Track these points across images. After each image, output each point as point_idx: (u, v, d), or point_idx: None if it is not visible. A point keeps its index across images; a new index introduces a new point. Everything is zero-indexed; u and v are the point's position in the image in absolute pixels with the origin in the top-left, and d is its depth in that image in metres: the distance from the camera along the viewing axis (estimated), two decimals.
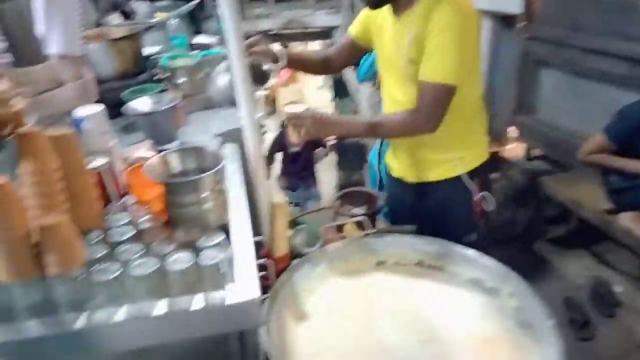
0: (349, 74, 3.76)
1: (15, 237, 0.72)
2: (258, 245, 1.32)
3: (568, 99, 2.99)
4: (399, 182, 1.73)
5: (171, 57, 1.86)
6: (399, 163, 1.71)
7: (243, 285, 0.83)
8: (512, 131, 3.37)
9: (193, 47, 2.46)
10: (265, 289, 1.19)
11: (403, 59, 1.42)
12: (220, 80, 1.66)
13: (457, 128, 1.50)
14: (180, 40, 2.34)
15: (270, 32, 4.04)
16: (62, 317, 0.78)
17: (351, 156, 3.86)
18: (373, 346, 1.08)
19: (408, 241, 1.38)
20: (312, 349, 1.07)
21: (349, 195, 2.47)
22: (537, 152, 3.35)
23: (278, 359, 0.95)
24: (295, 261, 1.32)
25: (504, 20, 3.24)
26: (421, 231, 1.42)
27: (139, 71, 1.87)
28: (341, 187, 3.27)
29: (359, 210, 1.99)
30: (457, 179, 1.55)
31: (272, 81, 2.51)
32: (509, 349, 1.07)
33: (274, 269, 1.20)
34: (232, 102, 1.93)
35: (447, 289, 1.25)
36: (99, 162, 0.93)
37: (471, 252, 1.30)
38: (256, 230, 1.34)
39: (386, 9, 1.47)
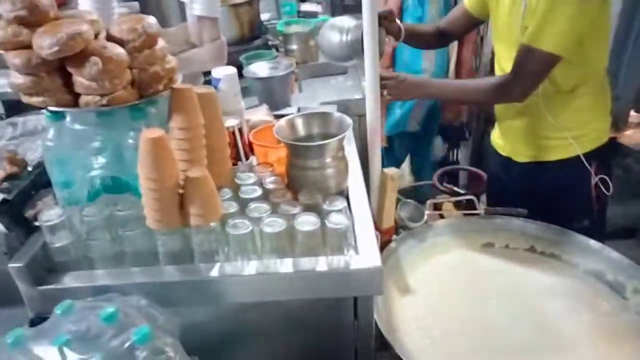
0: None
1: (166, 187, 0.78)
2: None
3: None
4: (506, 160, 1.63)
5: (286, 22, 1.89)
6: (507, 141, 1.61)
7: (366, 253, 0.85)
8: (635, 116, 3.05)
9: (300, 14, 2.48)
10: None
11: (518, 28, 1.34)
12: (331, 37, 1.61)
13: (578, 103, 1.40)
14: (290, 7, 2.37)
15: None
16: (198, 265, 0.85)
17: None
18: (484, 326, 1.06)
19: (519, 224, 1.32)
20: (417, 323, 1.07)
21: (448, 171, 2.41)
22: None
23: (384, 329, 0.97)
24: (400, 234, 1.32)
25: None
26: (529, 214, 1.35)
27: (255, 36, 1.92)
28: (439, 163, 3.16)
29: (460, 189, 1.94)
30: (575, 159, 1.43)
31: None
32: (633, 348, 1.00)
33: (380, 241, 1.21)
34: (341, 70, 1.93)
35: (563, 278, 1.19)
36: (232, 121, 0.98)
37: (593, 243, 1.22)
38: None
39: None
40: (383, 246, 1.25)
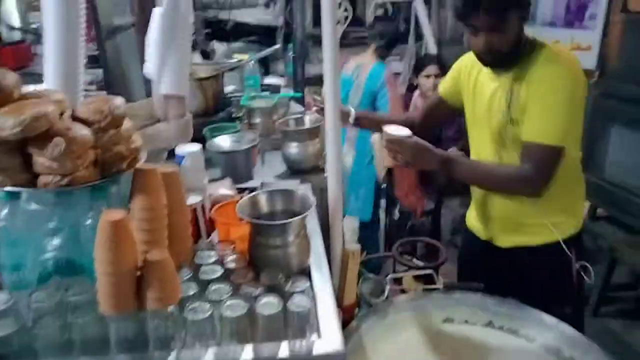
0: None
1: (124, 271, 0.75)
2: None
3: (637, 158, 2.88)
4: (485, 244, 1.63)
5: (250, 97, 1.95)
6: (486, 225, 1.62)
7: (328, 336, 0.83)
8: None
9: (263, 87, 2.56)
10: None
11: (502, 119, 1.39)
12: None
13: (558, 190, 1.42)
14: (254, 80, 2.45)
15: None
16: (152, 353, 0.80)
17: None
18: None
19: (477, 299, 1.35)
20: None
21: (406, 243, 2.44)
22: (602, 212, 3.21)
23: None
24: (362, 312, 1.31)
25: None
26: (511, 297, 1.33)
27: (219, 109, 1.96)
28: (390, 232, 3.21)
29: (419, 262, 1.97)
30: (555, 244, 1.44)
31: None
32: None
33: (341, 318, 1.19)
34: None
35: (520, 353, 1.20)
36: (194, 199, 0.98)
37: (547, 317, 1.25)
38: None
39: (480, 66, 1.46)
40: (345, 323, 1.23)
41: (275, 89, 2.61)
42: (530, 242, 1.51)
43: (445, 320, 1.32)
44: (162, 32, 1.14)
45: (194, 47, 2.84)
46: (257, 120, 1.86)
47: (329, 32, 1.07)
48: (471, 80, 1.51)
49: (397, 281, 1.57)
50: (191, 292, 0.86)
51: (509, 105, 1.36)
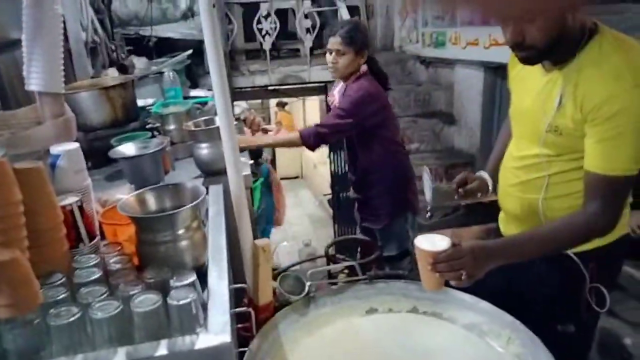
0: None
1: None
2: (241, 293, 1.25)
3: None
4: None
5: (163, 104, 1.87)
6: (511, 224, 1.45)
7: (215, 329, 0.76)
8: None
9: (187, 100, 2.49)
10: (246, 340, 1.11)
11: (544, 123, 1.19)
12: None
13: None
14: (175, 92, 2.38)
15: (269, 87, 4.14)
16: None
17: (347, 211, 3.83)
18: None
19: (401, 287, 1.32)
20: None
21: (345, 245, 2.41)
22: None
23: None
24: (281, 310, 1.25)
25: None
26: (511, 310, 1.15)
27: (131, 120, 1.87)
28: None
29: (352, 259, 1.93)
30: (567, 257, 1.27)
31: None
32: None
33: (256, 319, 1.13)
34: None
35: (444, 335, 1.18)
36: (69, 199, 0.89)
37: (469, 298, 1.23)
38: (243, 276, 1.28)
39: None
40: (262, 323, 1.17)
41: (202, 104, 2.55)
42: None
43: (369, 310, 1.29)
44: (26, 27, 1.06)
45: (112, 63, 2.75)
46: (171, 127, 1.79)
47: (211, 43, 1.01)
48: (518, 69, 1.31)
49: (332, 280, 1.52)
50: (60, 297, 0.77)
51: (556, 109, 1.15)
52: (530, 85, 1.25)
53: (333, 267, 1.47)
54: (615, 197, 1.12)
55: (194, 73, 3.42)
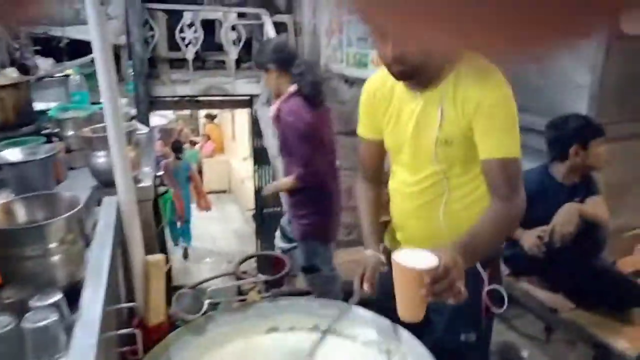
0: (269, 141, 3.76)
1: None
2: (132, 312, 1.17)
3: None
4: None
5: (62, 108, 1.74)
6: (396, 241, 1.46)
7: (76, 355, 0.69)
8: None
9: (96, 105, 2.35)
10: None
11: (432, 138, 1.24)
12: None
13: (481, 200, 1.29)
14: (82, 96, 2.23)
15: (188, 98, 4.02)
16: None
17: (269, 226, 3.78)
18: None
19: (304, 305, 1.29)
20: None
21: (262, 261, 2.35)
22: None
23: None
24: (175, 331, 1.17)
25: None
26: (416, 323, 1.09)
27: (24, 123, 1.72)
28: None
29: (263, 276, 1.89)
30: None
31: None
32: None
33: (143, 340, 1.05)
34: None
35: (343, 351, 1.17)
36: None
37: (368, 314, 1.24)
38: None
39: (399, 86, 1.30)
40: (152, 346, 1.09)
41: None
42: None
43: (270, 329, 1.25)
44: None
45: (13, 62, 2.53)
46: (70, 133, 1.66)
47: (98, 41, 0.95)
48: (385, 105, 1.34)
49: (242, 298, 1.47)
50: None
51: (441, 124, 1.22)
52: (406, 112, 1.29)
53: (235, 284, 1.42)
54: (518, 179, 1.20)
55: None
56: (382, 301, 1.19)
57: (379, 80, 1.37)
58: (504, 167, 1.19)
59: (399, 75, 1.23)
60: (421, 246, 1.24)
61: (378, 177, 1.49)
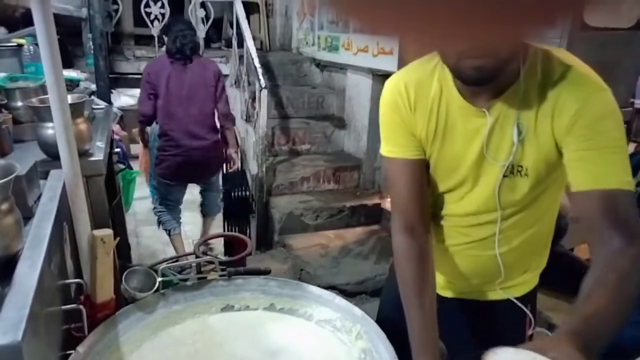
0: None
1: None
2: (79, 289, 1.13)
3: None
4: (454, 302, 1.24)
5: (10, 77, 1.65)
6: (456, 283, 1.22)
7: (5, 328, 0.65)
8: None
9: None
10: (77, 341, 0.99)
11: (498, 167, 0.99)
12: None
13: (538, 239, 1.13)
14: (36, 68, 2.12)
15: None
16: None
17: (238, 206, 3.73)
18: None
19: (260, 283, 1.27)
20: None
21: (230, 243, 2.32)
22: None
23: None
24: (123, 308, 1.14)
25: None
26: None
27: None
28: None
29: (222, 257, 1.87)
30: (507, 301, 1.14)
31: None
32: None
33: (90, 317, 1.01)
34: None
35: (297, 330, 1.16)
36: None
37: (325, 294, 1.23)
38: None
39: (449, 94, 1.00)
40: (99, 323, 1.05)
41: (73, 83, 2.31)
42: (479, 296, 1.20)
43: (225, 307, 1.23)
44: None
45: None
46: (18, 104, 1.58)
47: (39, 8, 0.89)
48: (432, 120, 1.03)
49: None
50: None
51: (515, 144, 0.95)
52: (467, 130, 1.00)
53: (188, 263, 1.39)
54: (635, 211, 0.88)
55: (70, 52, 3.11)
56: None
57: (411, 83, 1.05)
58: (621, 199, 0.88)
59: (474, 80, 0.90)
60: (471, 282, 1.11)
61: (423, 218, 1.08)
